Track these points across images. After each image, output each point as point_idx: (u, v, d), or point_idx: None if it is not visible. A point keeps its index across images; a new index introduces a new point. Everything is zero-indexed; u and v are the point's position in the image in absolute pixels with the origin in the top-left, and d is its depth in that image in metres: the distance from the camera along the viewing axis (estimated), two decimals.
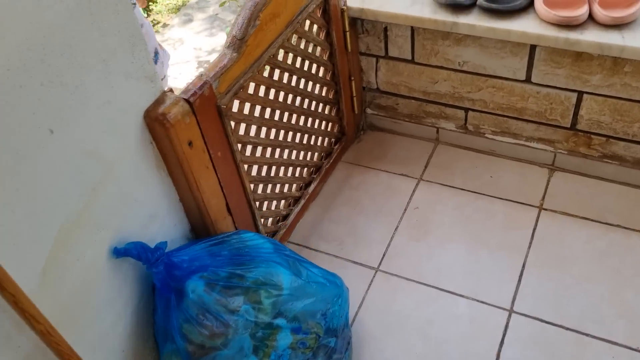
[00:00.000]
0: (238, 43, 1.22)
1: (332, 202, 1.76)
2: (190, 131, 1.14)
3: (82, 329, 1.06)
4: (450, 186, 1.75)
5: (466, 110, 1.75)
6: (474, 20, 1.48)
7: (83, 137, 0.97)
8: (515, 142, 1.75)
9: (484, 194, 1.71)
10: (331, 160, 1.78)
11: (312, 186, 1.71)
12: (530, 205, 1.66)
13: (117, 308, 1.14)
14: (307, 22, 1.46)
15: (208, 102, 1.17)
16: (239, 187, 1.36)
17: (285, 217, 1.63)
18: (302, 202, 1.67)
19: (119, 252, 1.09)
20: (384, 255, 1.61)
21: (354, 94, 1.78)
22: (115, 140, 1.04)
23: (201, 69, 3.03)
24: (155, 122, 1.08)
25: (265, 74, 1.36)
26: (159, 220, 1.20)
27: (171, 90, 1.16)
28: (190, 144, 1.14)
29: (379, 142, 1.92)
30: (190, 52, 3.20)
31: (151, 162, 1.14)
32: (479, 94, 1.68)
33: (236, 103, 1.28)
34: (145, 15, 3.34)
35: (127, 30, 1.00)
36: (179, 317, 1.16)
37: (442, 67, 1.67)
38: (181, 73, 3.06)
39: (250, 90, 1.32)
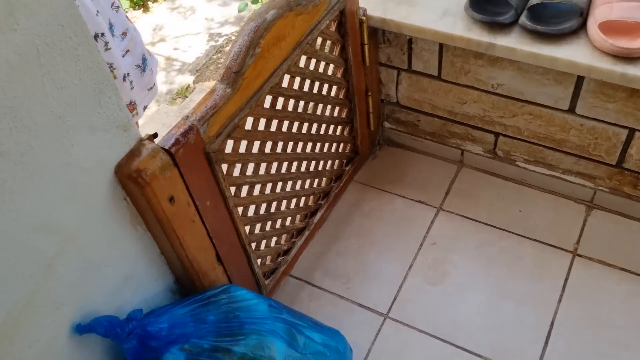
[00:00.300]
0: (233, 77, 1.03)
1: (341, 231, 1.58)
2: (171, 186, 0.96)
3: None
4: (473, 219, 1.56)
5: (497, 134, 1.54)
6: (514, 43, 1.26)
7: (33, 211, 0.80)
8: (550, 174, 1.55)
9: (511, 232, 1.52)
10: (342, 184, 1.59)
11: (319, 214, 1.53)
12: (563, 249, 1.47)
13: None
14: (319, 40, 1.25)
15: (194, 150, 0.99)
16: (232, 234, 1.19)
17: (287, 251, 1.46)
18: (307, 233, 1.50)
19: (83, 329, 0.94)
20: (394, 299, 1.44)
21: (371, 110, 1.58)
22: (78, 205, 0.87)
23: (212, 43, 2.82)
24: (128, 179, 0.91)
25: (267, 104, 1.16)
26: (135, 280, 1.04)
27: (146, 135, 0.97)
28: (171, 199, 0.97)
29: (396, 160, 1.73)
30: (201, 22, 2.99)
31: (125, 220, 0.97)
32: (512, 120, 1.47)
33: (230, 142, 1.09)
34: None
35: (91, 76, 0.81)
36: None
37: (472, 88, 1.46)
38: (191, 46, 2.86)
39: (248, 126, 1.13)
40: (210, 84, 2.48)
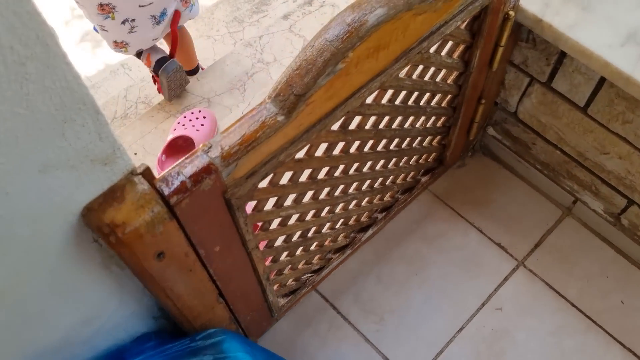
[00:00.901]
0: (292, 100, 0.67)
1: (390, 251, 1.27)
2: (162, 242, 0.66)
3: None
4: (559, 293, 1.22)
5: (631, 202, 1.14)
6: None
7: None
8: None
9: (600, 327, 1.18)
10: (410, 197, 1.26)
11: (371, 231, 1.22)
12: None
13: None
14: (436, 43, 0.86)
15: (208, 197, 0.68)
16: (246, 271, 0.90)
17: (319, 270, 1.18)
18: (349, 251, 1.20)
19: None
20: None
21: (477, 119, 1.19)
22: (9, 260, 0.59)
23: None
24: (98, 231, 0.61)
25: (336, 125, 0.81)
26: (100, 321, 0.79)
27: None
28: (159, 255, 0.68)
29: (487, 176, 1.36)
30: None
31: (93, 262, 0.70)
32: None
33: (267, 179, 0.77)
34: None
35: (50, 101, 0.50)
36: None
37: (625, 140, 1.05)
38: None
39: (300, 154, 0.79)
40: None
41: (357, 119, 0.85)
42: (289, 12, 1.92)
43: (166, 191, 0.64)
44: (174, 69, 1.48)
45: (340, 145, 0.87)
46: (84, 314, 0.75)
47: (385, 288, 1.24)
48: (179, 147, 1.41)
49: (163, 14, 1.41)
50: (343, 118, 0.80)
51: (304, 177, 0.86)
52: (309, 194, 0.91)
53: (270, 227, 0.89)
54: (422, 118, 1.03)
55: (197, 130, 1.38)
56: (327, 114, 0.74)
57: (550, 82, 1.09)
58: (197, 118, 1.42)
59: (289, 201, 0.88)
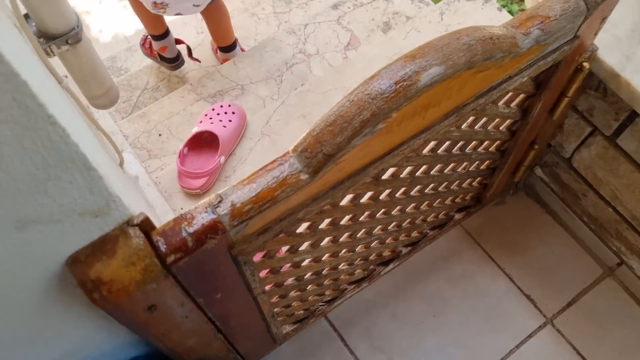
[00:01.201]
0: (321, 159, 0.59)
1: (411, 286, 1.19)
2: (154, 297, 0.59)
3: None
4: None
5: None
6: None
7: None
8: None
9: None
10: (440, 233, 1.16)
11: (392, 265, 1.13)
12: None
13: None
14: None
15: (210, 255, 0.60)
16: (248, 313, 0.83)
17: (331, 301, 1.10)
18: (365, 284, 1.12)
19: None
20: None
21: (526, 162, 1.08)
22: None
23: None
24: (82, 287, 0.54)
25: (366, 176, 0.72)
26: (83, 353, 0.73)
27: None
28: (150, 308, 0.61)
29: (526, 218, 1.25)
30: None
31: (76, 303, 0.63)
32: None
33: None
34: None
35: (29, 161, 0.42)
36: None
37: None
38: None
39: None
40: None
41: (391, 170, 0.76)
42: (340, 1, 1.80)
43: (163, 248, 0.56)
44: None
45: (370, 192, 0.78)
46: (68, 348, 0.69)
47: (399, 326, 1.16)
48: (204, 140, 1.33)
49: None
50: (376, 172, 0.71)
51: (323, 224, 0.77)
52: (328, 237, 0.82)
53: (281, 270, 0.81)
54: (465, 163, 0.93)
55: (224, 127, 1.30)
56: (358, 171, 0.65)
57: (616, 137, 0.98)
58: (225, 113, 1.33)
59: (304, 245, 0.79)
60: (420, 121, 0.65)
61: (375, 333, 1.15)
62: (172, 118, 1.59)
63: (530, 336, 1.14)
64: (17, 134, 0.39)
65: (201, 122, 1.33)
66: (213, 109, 1.34)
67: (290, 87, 1.62)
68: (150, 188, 1.35)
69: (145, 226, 0.56)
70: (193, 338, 0.77)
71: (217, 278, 0.66)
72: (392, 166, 0.72)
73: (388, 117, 0.58)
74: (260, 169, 0.60)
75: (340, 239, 0.86)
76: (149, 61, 1.88)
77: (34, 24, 0.79)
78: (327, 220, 0.76)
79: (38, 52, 0.68)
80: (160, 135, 1.57)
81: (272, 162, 0.60)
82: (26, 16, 0.78)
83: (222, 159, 1.29)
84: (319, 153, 0.58)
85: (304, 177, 0.59)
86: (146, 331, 0.66)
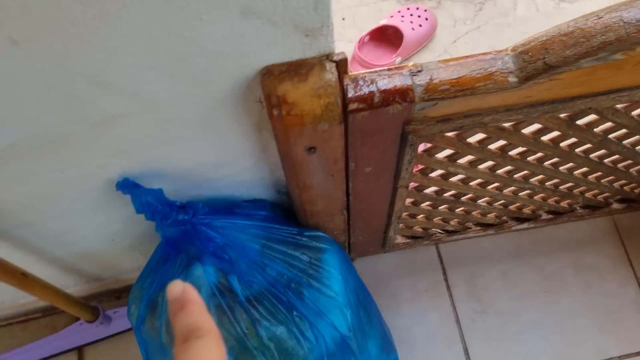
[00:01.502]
0: (538, 67, 0.54)
1: (535, 254, 1.13)
2: (318, 140, 0.60)
3: None
4: None
5: None
6: None
7: (99, 64, 0.50)
8: None
9: None
10: (589, 215, 1.08)
11: (526, 225, 1.07)
12: None
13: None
14: None
15: (387, 120, 0.59)
16: (381, 202, 0.83)
17: (451, 232, 1.07)
18: (491, 232, 1.07)
19: (124, 186, 0.71)
20: None
21: None
22: (175, 83, 0.55)
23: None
24: (267, 99, 0.56)
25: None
26: (228, 169, 0.77)
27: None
28: (311, 149, 0.62)
29: None
30: None
31: (249, 120, 0.65)
32: None
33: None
34: None
35: None
36: (158, 284, 0.83)
37: None
38: None
39: (507, 123, 0.66)
40: None
41: (589, 117, 0.69)
42: None
43: (350, 94, 0.56)
44: None
45: (554, 133, 0.72)
46: (221, 158, 0.73)
47: (506, 286, 1.12)
48: (387, 35, 1.30)
49: None
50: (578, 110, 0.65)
51: (493, 145, 0.73)
52: (488, 162, 0.78)
53: (430, 174, 0.79)
54: None
55: (412, 29, 1.26)
56: (564, 99, 0.60)
57: None
58: (419, 16, 1.29)
59: (463, 160, 0.76)
60: None
61: (479, 282, 1.12)
62: (360, 7, 1.57)
63: (638, 354, 1.06)
64: None
65: (392, 16, 1.30)
66: (408, 8, 1.30)
67: (487, 17, 1.52)
68: None
69: (341, 67, 0.56)
70: (324, 202, 0.78)
71: (377, 148, 0.65)
72: (596, 112, 0.66)
73: (631, 48, 0.52)
74: (470, 56, 0.57)
75: (498, 171, 0.81)
76: None
77: None
78: (499, 143, 0.72)
79: None
80: (343, 19, 1.56)
81: (484, 53, 0.57)
82: None
83: (399, 59, 1.26)
84: (539, 60, 0.54)
85: (512, 79, 0.55)
86: (294, 172, 0.68)
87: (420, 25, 1.28)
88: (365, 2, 1.58)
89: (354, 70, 1.29)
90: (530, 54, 0.55)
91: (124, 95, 0.55)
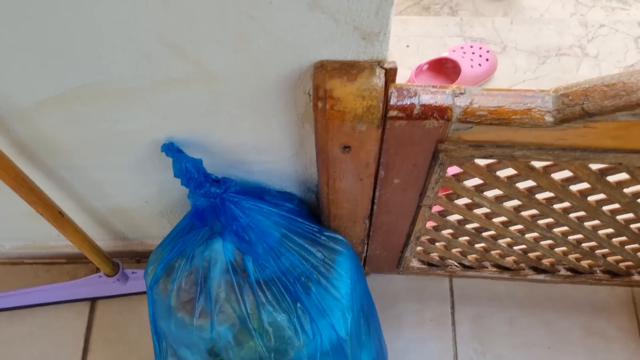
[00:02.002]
0: (575, 112, 0.56)
1: (545, 308, 1.13)
2: (356, 141, 0.64)
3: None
4: None
5: None
6: None
7: (170, 26, 0.55)
8: None
9: None
10: (607, 281, 1.07)
11: (541, 276, 1.07)
12: None
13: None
14: None
15: (422, 134, 0.62)
16: (403, 218, 0.86)
17: (466, 267, 1.08)
18: (506, 275, 1.08)
19: (169, 149, 0.76)
20: None
21: None
22: (237, 57, 0.60)
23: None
24: (315, 91, 0.60)
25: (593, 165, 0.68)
26: (265, 157, 0.81)
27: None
28: (346, 148, 0.66)
29: None
30: None
31: (295, 110, 0.70)
32: None
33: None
34: None
35: None
36: (178, 250, 0.87)
37: None
38: None
39: (538, 163, 0.69)
40: None
41: (621, 175, 0.71)
42: None
43: (393, 101, 0.59)
44: None
45: (583, 185, 0.74)
46: (260, 143, 0.77)
47: (510, 334, 1.12)
48: (445, 68, 1.34)
49: None
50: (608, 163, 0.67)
51: (521, 185, 0.75)
52: (514, 202, 0.80)
53: (455, 201, 0.81)
54: None
55: (471, 67, 1.29)
56: (596, 150, 0.62)
57: None
58: (480, 55, 1.32)
59: (490, 193, 0.79)
60: None
61: (485, 324, 1.13)
62: (427, 38, 1.61)
63: None
64: None
65: (454, 51, 1.33)
66: (471, 46, 1.33)
67: (548, 71, 1.54)
68: None
69: (390, 75, 0.60)
70: (349, 206, 0.82)
71: (409, 161, 0.68)
72: (626, 170, 0.68)
73: None
74: (514, 90, 0.59)
75: (522, 212, 0.83)
76: None
77: None
78: (527, 184, 0.74)
79: None
80: (407, 46, 1.60)
81: (528, 90, 0.59)
82: None
83: None
84: (577, 105, 0.56)
85: (548, 118, 0.58)
86: (326, 168, 0.71)
87: (479, 65, 1.31)
88: (433, 34, 1.62)
89: None
90: (570, 97, 0.57)
91: (188, 61, 0.60)
